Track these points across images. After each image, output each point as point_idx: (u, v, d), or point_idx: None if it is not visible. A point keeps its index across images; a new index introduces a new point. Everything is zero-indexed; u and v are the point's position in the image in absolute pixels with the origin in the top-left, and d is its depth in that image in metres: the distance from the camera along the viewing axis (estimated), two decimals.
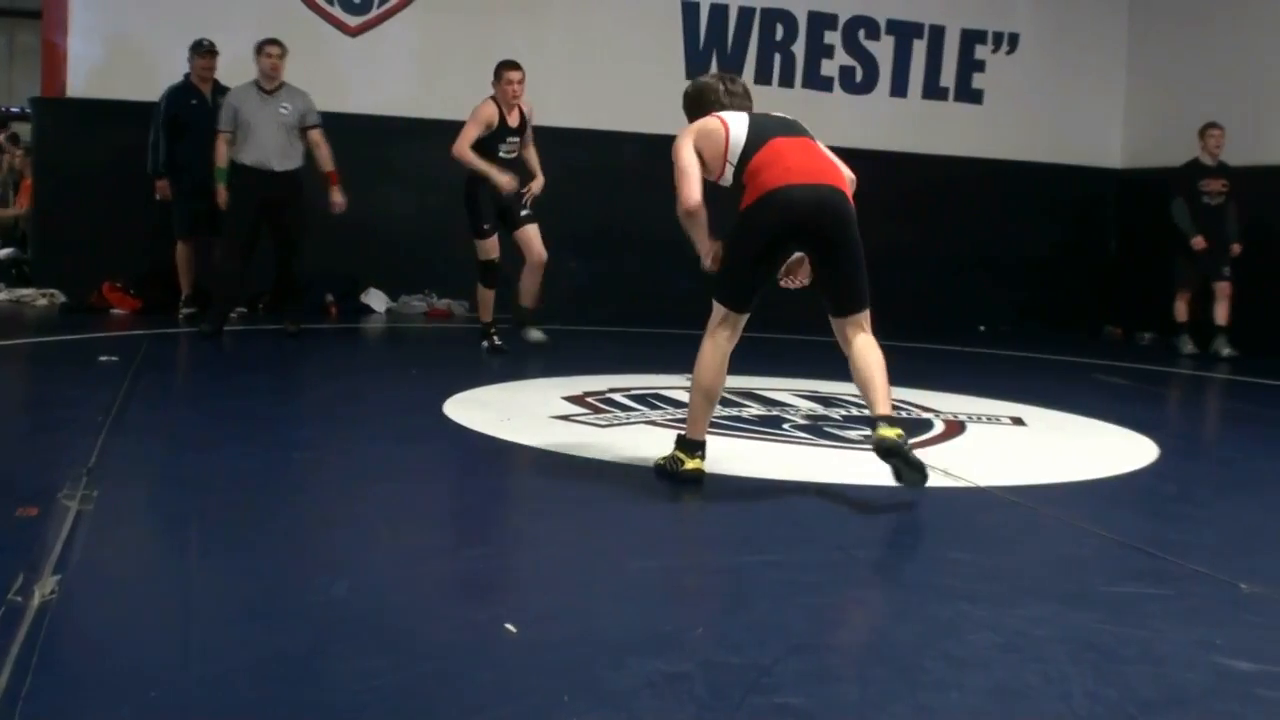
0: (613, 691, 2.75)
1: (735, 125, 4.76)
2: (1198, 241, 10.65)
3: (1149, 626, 3.38)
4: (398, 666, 2.84)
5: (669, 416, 6.31)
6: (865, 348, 4.79)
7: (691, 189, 4.69)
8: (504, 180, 8.24)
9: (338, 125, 10.26)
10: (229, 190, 8.84)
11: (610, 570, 3.85)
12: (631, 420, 6.19)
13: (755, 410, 6.60)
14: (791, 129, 4.83)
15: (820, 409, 6.75)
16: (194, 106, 9.60)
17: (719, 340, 4.78)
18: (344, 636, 3.03)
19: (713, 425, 6.09)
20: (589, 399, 6.67)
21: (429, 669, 2.85)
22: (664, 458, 4.97)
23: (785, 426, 6.21)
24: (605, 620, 3.28)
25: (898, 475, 4.61)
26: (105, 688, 2.68)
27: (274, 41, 8.94)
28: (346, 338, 9.73)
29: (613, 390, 6.95)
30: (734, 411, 6.52)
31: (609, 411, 6.38)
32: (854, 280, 4.79)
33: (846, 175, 4.86)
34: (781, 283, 5.00)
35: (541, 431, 5.79)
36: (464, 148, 8.26)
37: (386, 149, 10.89)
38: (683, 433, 4.92)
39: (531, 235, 8.63)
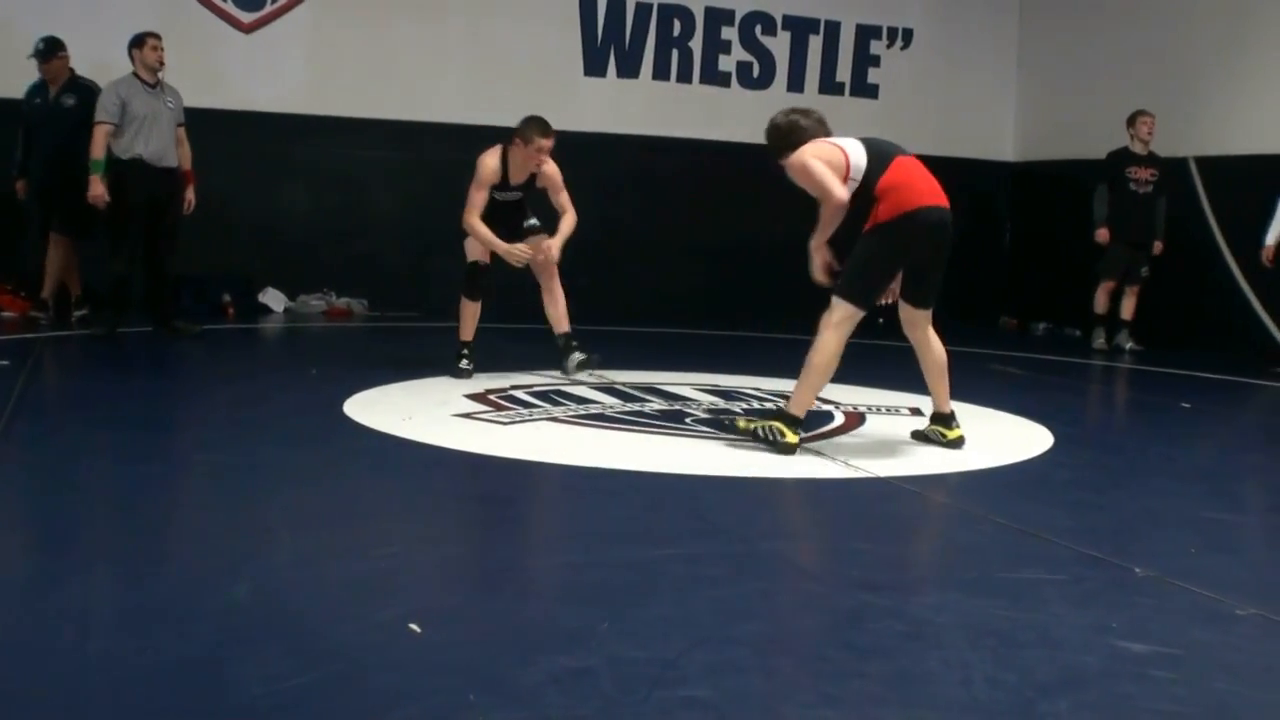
0: (519, 689, 2.74)
1: (853, 150, 5.49)
2: (1101, 234, 10.67)
3: (1046, 611, 3.44)
4: (302, 669, 2.81)
5: (570, 413, 6.31)
6: (940, 347, 5.83)
7: (840, 189, 5.40)
8: (516, 254, 7.23)
9: (232, 123, 10.16)
10: (112, 187, 8.54)
11: (514, 567, 3.85)
12: (534, 417, 6.18)
13: (657, 405, 6.62)
14: (903, 150, 5.64)
15: (721, 403, 6.79)
16: (38, 106, 9.31)
17: (843, 331, 5.44)
18: (246, 640, 2.99)
19: (615, 421, 6.11)
20: (491, 396, 6.64)
21: (334, 671, 2.83)
22: (757, 424, 5.54)
23: (687, 421, 6.23)
24: (510, 618, 3.27)
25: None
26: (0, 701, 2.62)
27: (157, 35, 8.79)
28: (244, 338, 9.60)
29: (515, 388, 6.93)
30: (636, 407, 6.53)
31: (511, 409, 6.36)
32: (938, 282, 5.75)
33: None
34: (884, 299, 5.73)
35: (443, 430, 5.76)
36: (474, 220, 7.20)
37: (282, 146, 10.77)
38: (784, 407, 5.54)
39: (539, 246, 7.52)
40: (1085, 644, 3.18)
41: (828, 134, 5.66)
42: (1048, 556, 4.08)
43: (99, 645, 2.94)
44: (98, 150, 8.54)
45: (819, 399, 6.68)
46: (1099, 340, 10.72)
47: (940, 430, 5.85)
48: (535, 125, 7.18)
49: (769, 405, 6.69)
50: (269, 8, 10.85)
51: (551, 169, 7.33)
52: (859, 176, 5.45)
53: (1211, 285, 10.63)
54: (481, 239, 7.20)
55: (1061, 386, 9.10)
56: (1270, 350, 9.87)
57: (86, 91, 9.08)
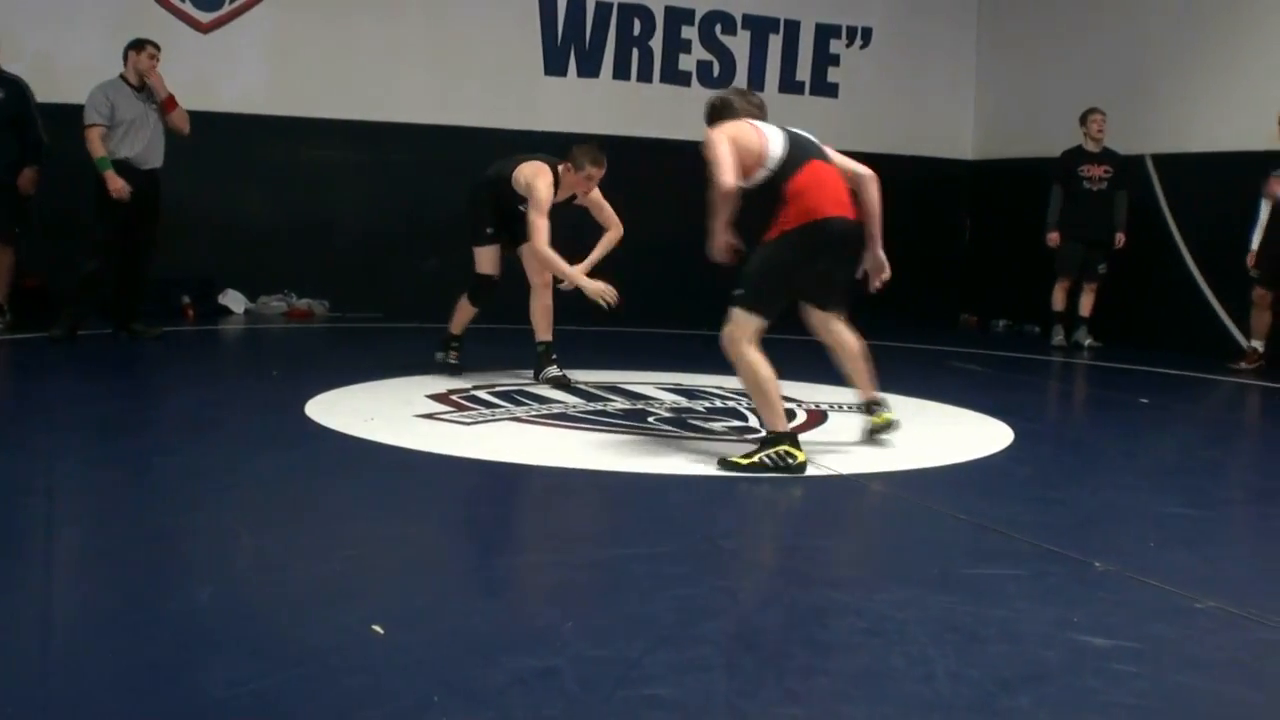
0: (483, 689, 2.74)
1: (773, 138, 5.32)
2: (1051, 238, 10.73)
3: (1008, 606, 3.46)
4: (265, 672, 2.80)
5: (533, 413, 6.30)
6: (853, 339, 5.73)
7: (731, 175, 5.18)
8: (602, 291, 6.79)
9: (191, 123, 10.06)
10: (96, 187, 8.47)
11: (477, 568, 3.84)
12: (496, 417, 6.17)
13: (620, 404, 6.62)
14: (823, 153, 5.48)
15: (684, 401, 6.80)
16: None
17: (756, 347, 5.20)
18: (209, 644, 2.98)
19: (578, 421, 6.11)
20: (453, 397, 6.63)
21: (297, 673, 2.82)
22: (758, 455, 5.11)
23: (650, 420, 6.24)
24: (474, 618, 3.27)
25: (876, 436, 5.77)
26: None
27: (155, 44, 8.76)
28: (204, 341, 9.54)
29: (477, 388, 6.92)
30: (599, 406, 6.54)
31: (473, 409, 6.35)
32: (847, 289, 5.66)
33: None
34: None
35: (405, 431, 5.75)
36: (551, 253, 6.88)
37: (241, 147, 10.70)
38: (773, 431, 5.18)
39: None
40: (1047, 639, 3.20)
41: (753, 115, 5.51)
42: (1009, 552, 4.11)
43: (61, 649, 2.92)
44: (98, 149, 8.49)
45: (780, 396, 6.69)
46: (1057, 337, 10.77)
47: (871, 418, 5.83)
48: (591, 153, 7.07)
49: (731, 404, 6.70)
50: (227, 8, 10.78)
51: (595, 192, 7.25)
52: (773, 167, 5.25)
53: (1169, 282, 10.69)
54: (565, 274, 6.91)
55: (1021, 383, 9.16)
56: (1227, 346, 9.95)
57: (14, 85, 8.99)
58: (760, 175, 5.25)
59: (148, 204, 8.67)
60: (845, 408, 6.78)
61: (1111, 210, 10.68)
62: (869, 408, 5.83)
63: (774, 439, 5.15)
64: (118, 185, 8.44)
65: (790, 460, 5.07)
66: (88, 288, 8.61)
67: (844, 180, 5.46)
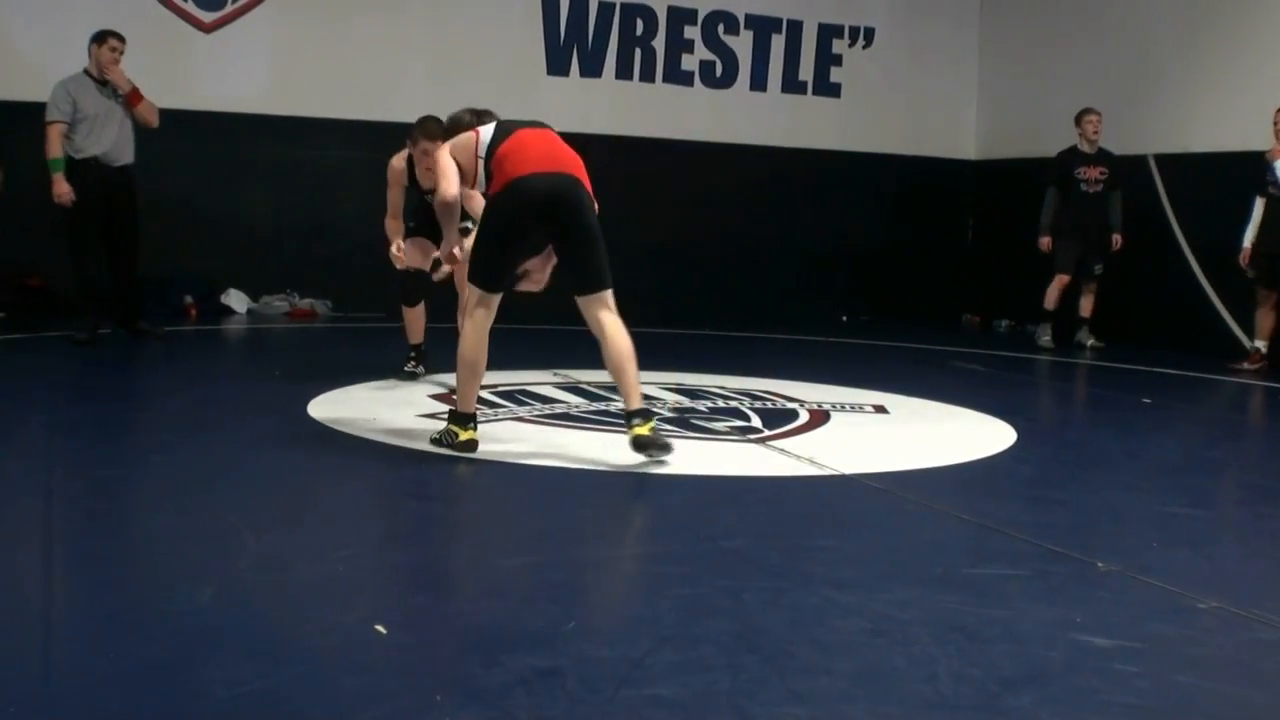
0: (485, 689, 2.74)
1: (484, 129, 5.28)
2: (1044, 243, 10.71)
3: (1010, 606, 3.46)
4: (266, 672, 2.80)
5: (535, 413, 6.30)
6: (616, 334, 5.17)
7: (450, 184, 5.22)
8: (395, 254, 6.98)
9: (193, 123, 10.09)
10: (53, 186, 8.39)
11: (479, 568, 3.84)
12: (498, 417, 6.17)
13: (622, 404, 6.61)
14: (537, 124, 5.34)
15: (687, 401, 6.79)
16: None
17: (478, 319, 5.18)
18: (210, 644, 2.98)
19: (580, 421, 6.11)
20: (455, 396, 6.61)
21: (298, 673, 2.82)
22: (439, 432, 5.36)
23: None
24: (476, 618, 3.27)
25: (645, 455, 5.04)
26: None
27: (121, 37, 8.68)
28: (207, 340, 9.55)
29: (479, 387, 6.90)
30: (601, 406, 6.53)
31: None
32: (591, 260, 5.17)
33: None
34: (517, 288, 5.36)
35: (408, 431, 5.75)
36: (387, 219, 7.19)
37: (244, 147, 10.71)
38: (454, 408, 5.34)
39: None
40: (1049, 639, 3.20)
41: (472, 123, 5.46)
42: (1011, 552, 4.10)
43: (62, 649, 2.92)
44: (54, 149, 8.40)
45: (768, 393, 6.71)
46: (1044, 337, 10.69)
47: (636, 432, 5.08)
48: (415, 128, 6.90)
49: (734, 404, 6.70)
50: (229, 7, 10.79)
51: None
52: (484, 154, 5.20)
53: (1171, 282, 10.69)
54: (390, 237, 7.03)
55: (1023, 383, 9.15)
56: (1229, 346, 9.94)
57: None
58: (481, 169, 5.24)
59: (121, 202, 8.60)
60: (848, 407, 6.78)
61: (1107, 211, 10.65)
62: (630, 419, 5.11)
63: (450, 416, 5.37)
64: (62, 190, 8.34)
65: (454, 439, 5.23)
66: (90, 290, 8.57)
67: (559, 142, 5.28)
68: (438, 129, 6.36)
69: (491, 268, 5.16)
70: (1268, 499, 5.43)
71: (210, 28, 10.76)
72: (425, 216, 7.13)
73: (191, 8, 10.68)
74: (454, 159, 5.29)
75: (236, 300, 10.79)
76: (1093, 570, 3.87)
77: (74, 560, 3.72)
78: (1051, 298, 10.78)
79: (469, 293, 5.30)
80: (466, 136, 5.32)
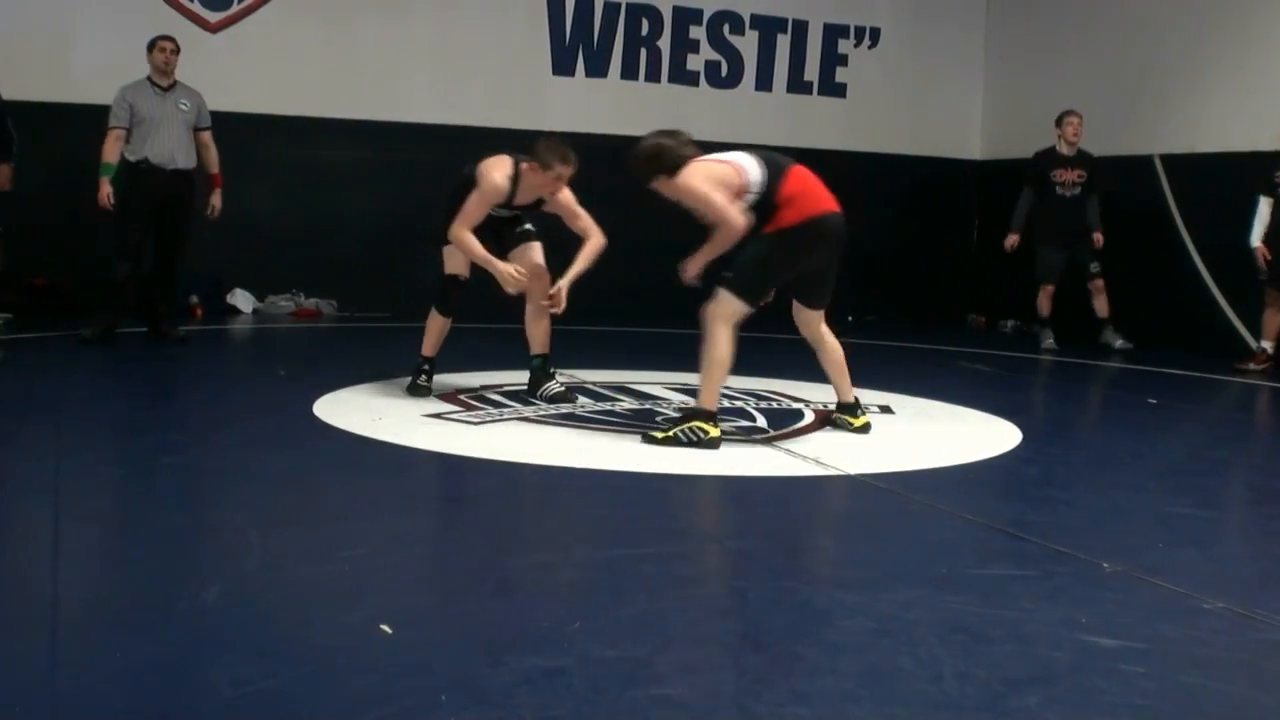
0: (491, 689, 2.74)
1: (748, 165, 5.59)
2: (1010, 241, 10.72)
3: (1015, 607, 3.46)
4: (272, 672, 2.80)
5: (541, 413, 6.30)
6: (835, 341, 6.03)
7: (741, 219, 5.52)
8: (511, 278, 6.34)
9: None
10: (117, 188, 8.47)
11: (485, 568, 3.84)
12: (504, 417, 6.18)
13: (628, 404, 6.63)
14: (786, 158, 5.79)
15: (693, 401, 6.78)
16: None
17: (732, 328, 5.57)
18: (216, 643, 2.98)
19: (586, 421, 6.12)
20: (461, 396, 6.63)
21: (304, 673, 2.82)
22: (674, 430, 5.53)
23: (658, 420, 6.23)
24: (481, 618, 3.27)
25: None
26: None
27: (168, 37, 8.76)
28: (213, 340, 9.56)
29: (485, 388, 6.92)
30: (607, 406, 6.54)
31: (481, 409, 6.35)
32: (831, 282, 5.91)
33: None
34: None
35: (414, 430, 5.75)
36: (463, 233, 6.35)
37: (249, 146, 10.68)
38: (697, 405, 5.61)
39: (534, 254, 6.66)
40: (1054, 639, 3.20)
41: (696, 153, 5.60)
42: (1016, 552, 4.10)
43: (68, 648, 2.92)
44: (108, 154, 8.50)
45: (772, 393, 6.72)
46: (1046, 342, 10.67)
47: (848, 419, 6.07)
48: (556, 152, 6.24)
49: (739, 404, 6.70)
50: (235, 7, 10.80)
51: (565, 195, 6.43)
52: (759, 190, 5.55)
53: (1177, 283, 10.68)
54: (473, 254, 6.34)
55: (1029, 384, 9.15)
56: (1235, 347, 9.92)
57: None
58: (747, 202, 5.55)
59: (174, 206, 8.64)
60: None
61: (1084, 214, 10.60)
62: (846, 410, 6.08)
63: (694, 414, 5.58)
64: (104, 193, 8.41)
65: (702, 435, 5.48)
66: (118, 290, 8.59)
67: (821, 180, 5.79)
68: (570, 155, 6.19)
69: (768, 287, 5.70)
70: (1274, 499, 5.42)
71: (216, 28, 10.76)
72: (484, 225, 6.47)
73: (197, 8, 10.69)
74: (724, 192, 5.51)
75: (242, 300, 10.80)
76: (1098, 571, 3.87)
77: (80, 559, 3.72)
78: (1044, 306, 10.78)
79: (727, 304, 5.54)
80: (725, 172, 5.56)
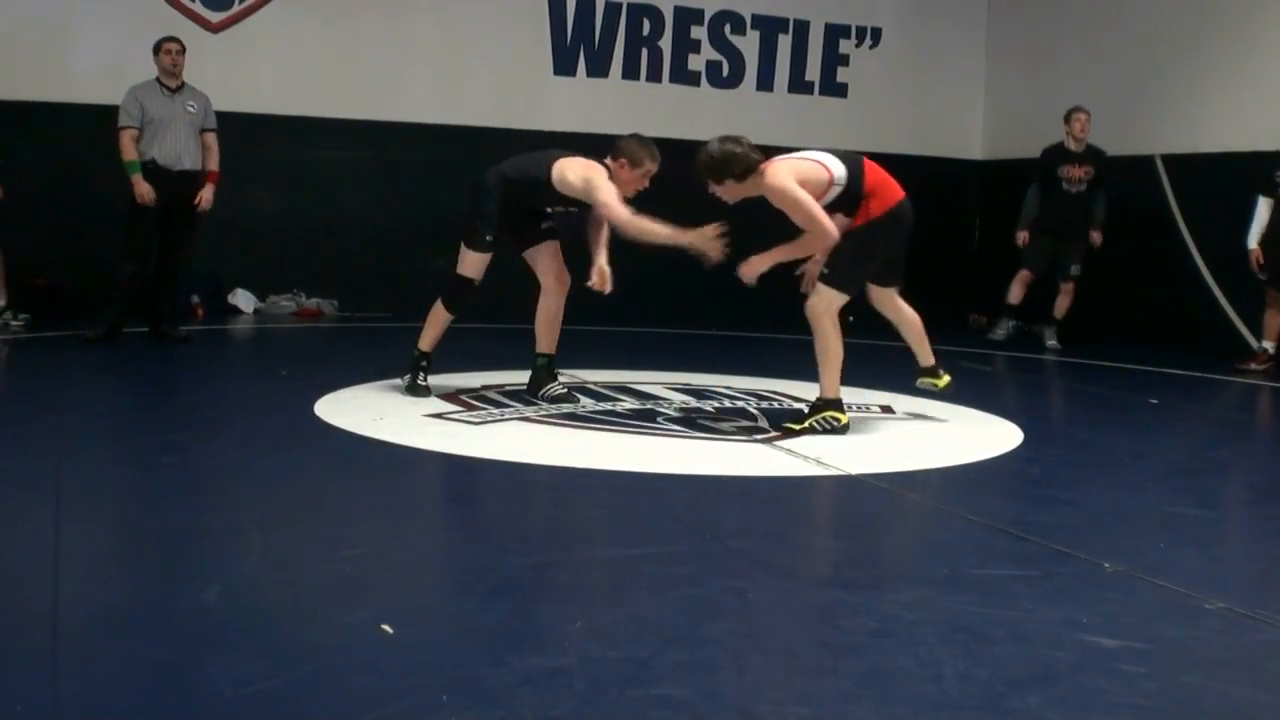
0: (491, 689, 2.74)
1: (832, 163, 5.85)
2: (1021, 237, 10.74)
3: (1017, 607, 3.46)
4: (273, 672, 2.80)
5: (542, 412, 6.30)
6: (912, 311, 6.54)
7: (834, 228, 5.75)
8: (707, 235, 6.13)
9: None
10: (126, 188, 8.46)
11: (485, 568, 3.84)
12: (505, 417, 6.17)
13: (629, 404, 6.62)
14: (853, 152, 6.11)
15: (693, 401, 6.79)
16: None
17: (834, 321, 5.94)
18: (217, 643, 2.98)
19: (587, 420, 6.12)
20: (462, 396, 6.63)
21: (305, 672, 2.82)
22: (807, 422, 5.97)
23: (659, 420, 6.24)
24: (482, 618, 3.27)
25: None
26: None
27: (173, 39, 8.78)
28: (215, 339, 9.56)
29: (486, 387, 6.92)
30: (608, 406, 6.53)
31: (482, 409, 6.35)
32: (903, 260, 6.32)
33: None
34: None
35: (415, 430, 5.75)
36: (631, 215, 6.31)
37: (250, 146, 10.68)
38: (822, 396, 6.01)
39: (555, 256, 6.73)
40: (1055, 639, 3.20)
41: (763, 157, 5.81)
42: (1018, 552, 4.10)
43: (69, 648, 2.92)
44: (127, 153, 8.50)
45: (773, 393, 6.73)
46: (1000, 331, 10.70)
47: (931, 381, 6.65)
48: (646, 149, 6.37)
49: (740, 404, 6.70)
50: (237, 7, 10.79)
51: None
52: (844, 183, 5.82)
53: (1178, 282, 10.67)
54: (655, 235, 6.23)
55: (1030, 383, 9.14)
56: (1236, 347, 9.92)
57: None
58: (833, 194, 5.82)
59: (181, 206, 8.65)
60: (854, 407, 6.78)
61: (1089, 211, 10.61)
62: (928, 371, 6.65)
63: (823, 404, 5.99)
64: (143, 190, 8.42)
65: (835, 423, 5.95)
66: (124, 289, 8.59)
67: None
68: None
69: (862, 277, 6.06)
70: (1275, 499, 5.42)
71: (217, 28, 10.76)
72: (515, 215, 6.54)
73: (199, 8, 10.69)
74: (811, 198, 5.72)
75: (243, 300, 10.80)
76: (1099, 571, 3.87)
77: (81, 559, 3.72)
78: (1015, 292, 10.81)
79: (828, 299, 5.88)
80: (813, 170, 5.79)
